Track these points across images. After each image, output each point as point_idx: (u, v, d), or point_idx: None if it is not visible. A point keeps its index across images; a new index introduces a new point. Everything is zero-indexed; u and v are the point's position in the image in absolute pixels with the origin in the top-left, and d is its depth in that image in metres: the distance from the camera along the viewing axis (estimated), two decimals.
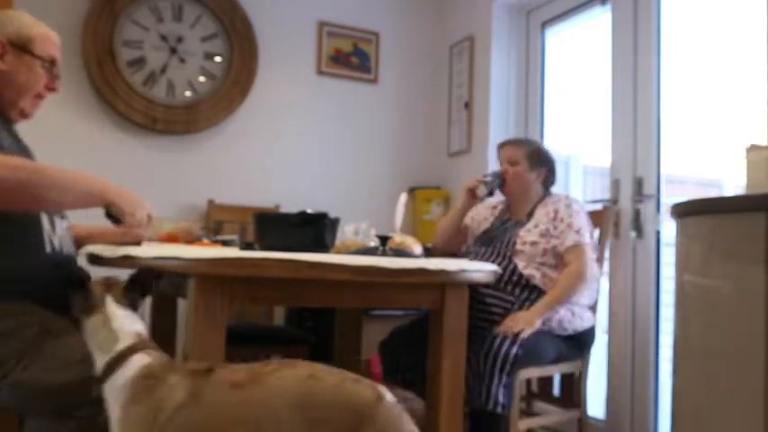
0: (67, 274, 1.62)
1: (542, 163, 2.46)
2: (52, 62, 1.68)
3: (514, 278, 2.26)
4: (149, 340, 1.25)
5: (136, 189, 1.71)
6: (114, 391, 1.17)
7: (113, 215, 1.55)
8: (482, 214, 2.58)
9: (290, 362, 1.20)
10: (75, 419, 1.38)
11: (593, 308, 2.38)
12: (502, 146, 2.54)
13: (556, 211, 2.33)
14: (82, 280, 1.38)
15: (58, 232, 1.64)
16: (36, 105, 1.69)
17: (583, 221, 2.32)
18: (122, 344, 1.20)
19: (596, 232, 2.54)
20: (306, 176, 3.67)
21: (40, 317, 1.47)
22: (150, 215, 1.60)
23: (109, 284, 1.30)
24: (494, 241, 2.40)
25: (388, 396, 1.15)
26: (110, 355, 1.19)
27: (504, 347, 2.04)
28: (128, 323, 1.24)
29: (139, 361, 1.17)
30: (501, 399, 2.00)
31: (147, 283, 1.36)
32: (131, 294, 1.30)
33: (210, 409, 1.12)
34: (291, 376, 1.14)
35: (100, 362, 1.21)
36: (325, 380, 1.14)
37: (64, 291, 1.61)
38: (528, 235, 2.31)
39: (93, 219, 1.88)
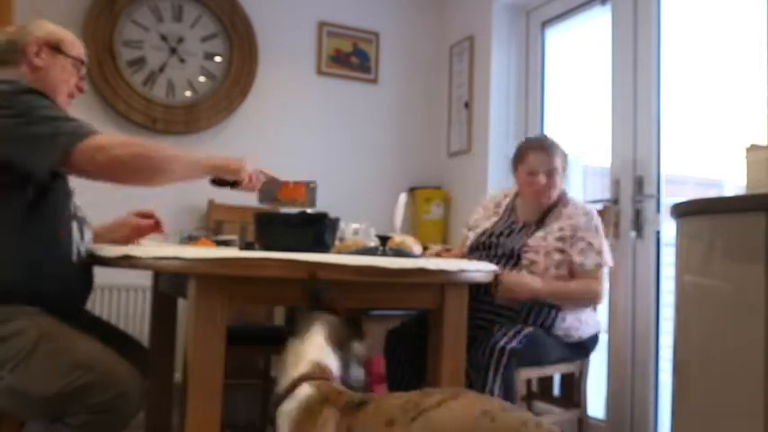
0: (88, 282, 1.70)
1: (567, 164, 2.35)
2: (81, 62, 1.76)
3: None
4: (325, 370, 1.24)
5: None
6: (283, 418, 1.18)
7: (222, 181, 1.70)
8: (483, 213, 2.43)
9: (456, 392, 1.04)
10: (71, 426, 1.39)
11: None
12: (529, 151, 2.28)
13: (575, 228, 2.19)
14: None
15: (85, 241, 1.67)
16: (69, 105, 1.74)
17: (602, 239, 2.21)
18: (298, 371, 1.22)
19: None
20: (306, 176, 3.65)
21: (43, 322, 1.47)
22: (258, 170, 1.81)
23: (328, 319, 1.33)
24: (495, 248, 2.26)
25: None
26: (287, 380, 1.22)
27: (503, 342, 2.01)
28: (311, 351, 1.26)
29: (303, 392, 1.17)
30: (496, 392, 1.96)
31: (357, 325, 1.36)
32: (344, 332, 1.31)
33: None
34: (460, 412, 0.96)
35: (282, 383, 1.23)
36: (503, 419, 0.93)
37: (79, 295, 1.65)
38: (538, 245, 2.18)
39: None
